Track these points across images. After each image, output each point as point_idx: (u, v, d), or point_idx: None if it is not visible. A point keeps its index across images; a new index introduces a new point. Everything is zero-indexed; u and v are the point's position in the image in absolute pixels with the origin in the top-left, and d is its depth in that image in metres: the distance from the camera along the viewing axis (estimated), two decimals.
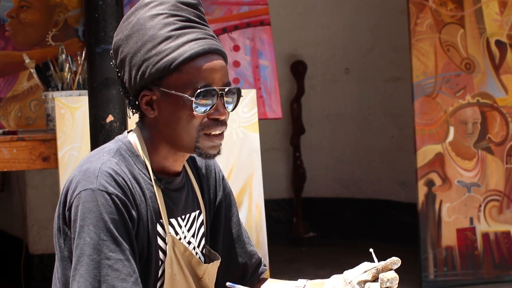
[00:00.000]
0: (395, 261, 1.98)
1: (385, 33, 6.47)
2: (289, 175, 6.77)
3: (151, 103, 2.04)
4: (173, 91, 2.01)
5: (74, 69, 4.04)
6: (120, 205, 1.95)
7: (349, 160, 6.71)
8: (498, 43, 5.25)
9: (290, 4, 6.66)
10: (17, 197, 5.57)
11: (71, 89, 3.99)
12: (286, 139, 6.75)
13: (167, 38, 2.01)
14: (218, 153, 2.07)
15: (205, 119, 2.02)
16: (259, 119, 4.11)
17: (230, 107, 2.05)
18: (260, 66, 4.75)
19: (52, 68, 4.04)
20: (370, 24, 6.55)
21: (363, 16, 6.58)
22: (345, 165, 6.73)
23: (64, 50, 4.12)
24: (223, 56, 2.06)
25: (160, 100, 2.03)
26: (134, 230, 1.99)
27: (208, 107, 2.01)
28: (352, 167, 6.71)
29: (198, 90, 1.99)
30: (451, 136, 5.17)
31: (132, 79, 2.04)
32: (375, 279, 1.98)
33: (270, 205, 6.42)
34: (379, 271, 1.97)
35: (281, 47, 6.37)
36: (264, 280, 2.31)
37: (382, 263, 1.98)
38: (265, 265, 2.34)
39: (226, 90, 2.02)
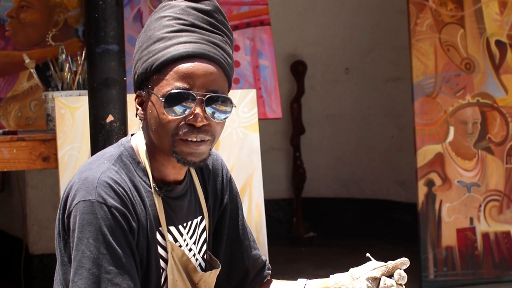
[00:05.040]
0: (404, 262, 2.01)
1: (385, 33, 6.47)
2: (289, 175, 6.77)
3: (142, 103, 2.03)
4: (153, 92, 1.98)
5: (74, 69, 4.04)
6: (119, 217, 1.92)
7: (349, 160, 6.71)
8: (498, 43, 5.24)
9: (290, 4, 6.65)
10: (17, 197, 5.56)
11: (71, 89, 3.99)
12: (286, 139, 6.75)
13: (160, 39, 1.99)
14: (202, 161, 2.00)
15: (182, 123, 1.96)
16: (259, 119, 4.10)
17: (219, 116, 1.98)
18: (260, 66, 4.74)
19: (52, 68, 4.04)
20: (370, 24, 6.55)
21: (363, 16, 6.58)
22: (345, 165, 6.73)
23: (64, 50, 4.12)
24: (218, 63, 1.98)
25: (147, 101, 2.00)
26: (134, 240, 1.96)
27: (185, 112, 1.95)
28: (352, 167, 6.71)
29: (170, 92, 1.94)
30: (451, 136, 5.17)
31: (131, 78, 2.05)
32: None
33: (270, 205, 6.42)
34: (389, 269, 2.01)
35: (281, 47, 6.37)
36: (269, 282, 2.29)
37: (392, 262, 2.02)
38: (269, 268, 2.30)
39: (207, 96, 1.95)
